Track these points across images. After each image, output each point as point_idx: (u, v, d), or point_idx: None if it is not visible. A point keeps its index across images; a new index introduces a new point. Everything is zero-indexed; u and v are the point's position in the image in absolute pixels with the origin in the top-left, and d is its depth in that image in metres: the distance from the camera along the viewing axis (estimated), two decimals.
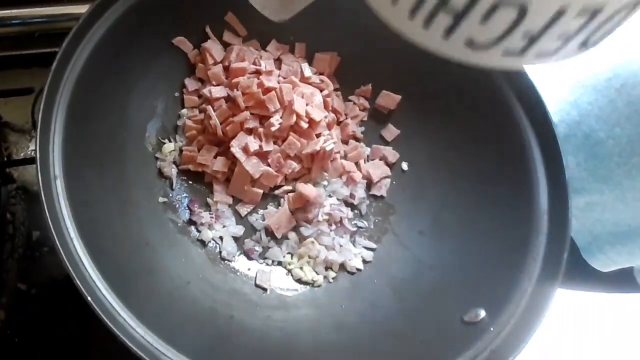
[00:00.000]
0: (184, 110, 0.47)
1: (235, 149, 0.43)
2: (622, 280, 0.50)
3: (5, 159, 0.49)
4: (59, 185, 0.30)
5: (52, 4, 0.46)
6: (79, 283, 0.27)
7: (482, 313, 0.35)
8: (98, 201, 0.35)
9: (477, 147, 0.46)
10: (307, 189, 0.45)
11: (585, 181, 0.44)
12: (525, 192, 0.41)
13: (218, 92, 0.47)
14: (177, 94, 0.48)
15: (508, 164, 0.43)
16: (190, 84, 0.48)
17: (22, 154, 0.49)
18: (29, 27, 0.45)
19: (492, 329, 0.33)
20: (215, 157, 0.45)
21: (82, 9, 0.50)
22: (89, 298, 0.27)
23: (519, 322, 0.33)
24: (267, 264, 0.44)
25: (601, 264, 0.46)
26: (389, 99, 0.53)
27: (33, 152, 0.50)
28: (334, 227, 0.47)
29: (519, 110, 0.43)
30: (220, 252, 0.42)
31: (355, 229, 0.48)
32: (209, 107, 0.46)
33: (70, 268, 0.27)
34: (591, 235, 0.46)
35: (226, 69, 0.49)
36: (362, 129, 0.53)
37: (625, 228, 0.43)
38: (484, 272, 0.40)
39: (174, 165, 0.45)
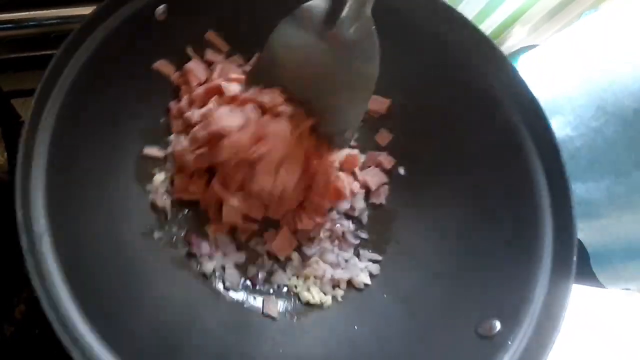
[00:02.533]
0: (172, 137, 0.45)
1: (218, 186, 0.41)
2: None
3: None
4: (45, 243, 0.28)
5: (66, 6, 0.47)
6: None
7: (497, 324, 0.35)
8: (91, 253, 0.33)
9: (474, 149, 0.46)
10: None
11: (605, 208, 0.44)
12: (526, 189, 0.41)
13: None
14: (162, 120, 0.46)
15: (507, 167, 0.42)
16: (175, 107, 0.46)
17: None
18: (45, 28, 0.46)
19: (509, 342, 0.33)
20: (207, 183, 0.43)
21: None
22: None
23: (535, 333, 0.33)
24: (273, 289, 0.42)
25: (608, 277, 0.46)
26: (378, 103, 0.52)
27: None
28: (336, 242, 0.46)
29: (514, 111, 0.42)
30: (223, 282, 0.41)
31: (358, 241, 0.47)
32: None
33: (70, 346, 0.25)
34: (604, 247, 0.46)
35: None
36: (355, 135, 0.52)
37: (637, 245, 0.43)
38: (493, 278, 0.39)
39: (166, 195, 0.43)
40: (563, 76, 0.48)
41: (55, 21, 0.46)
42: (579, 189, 0.45)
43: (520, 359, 0.32)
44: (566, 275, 0.35)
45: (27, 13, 0.45)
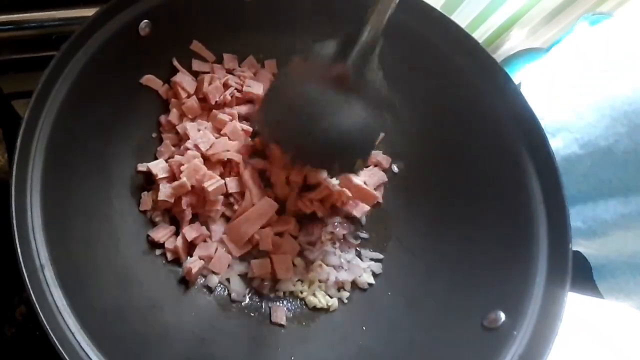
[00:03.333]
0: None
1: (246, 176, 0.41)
2: None
3: None
4: (48, 274, 0.28)
5: (68, 8, 0.46)
6: None
7: (502, 316, 0.35)
8: (93, 280, 0.32)
9: (468, 147, 0.46)
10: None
11: (610, 228, 0.43)
12: (520, 186, 0.41)
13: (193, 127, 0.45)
14: (154, 135, 0.45)
15: (500, 166, 0.43)
16: (165, 120, 0.46)
17: None
18: (46, 30, 0.46)
19: (515, 332, 0.34)
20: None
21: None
22: None
23: (539, 321, 0.34)
24: (279, 297, 0.43)
25: (608, 289, 0.46)
26: None
27: None
28: (337, 244, 0.47)
29: (508, 118, 0.41)
30: (229, 294, 0.41)
31: (358, 241, 0.47)
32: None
33: None
34: (607, 259, 0.46)
35: (201, 100, 0.46)
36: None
37: (639, 261, 0.43)
38: (494, 270, 0.40)
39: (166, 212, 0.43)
40: (571, 92, 0.48)
41: (56, 23, 0.46)
42: (585, 208, 0.44)
43: (527, 348, 0.33)
44: (564, 262, 0.36)
45: (28, 14, 0.45)
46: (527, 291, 0.36)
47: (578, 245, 0.47)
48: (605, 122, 0.43)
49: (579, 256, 0.48)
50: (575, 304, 0.34)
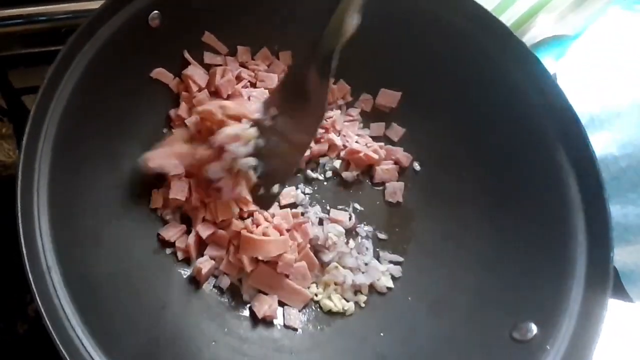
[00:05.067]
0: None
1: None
2: None
3: None
4: (55, 277, 0.27)
5: (77, 1, 0.46)
6: None
7: (534, 328, 0.33)
8: (102, 282, 0.31)
9: (497, 146, 0.43)
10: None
11: None
12: (555, 185, 0.38)
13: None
14: (165, 130, 0.44)
15: (533, 161, 0.40)
16: (175, 114, 0.44)
17: None
18: (55, 23, 0.46)
19: (548, 347, 0.31)
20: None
21: None
22: None
23: (575, 336, 0.31)
24: None
25: (639, 293, 0.43)
26: (389, 97, 0.49)
27: None
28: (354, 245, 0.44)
29: (541, 108, 0.39)
30: (241, 295, 0.40)
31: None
32: None
33: None
34: (635, 264, 0.43)
35: (213, 94, 0.45)
36: (368, 131, 0.50)
37: None
38: (524, 279, 0.37)
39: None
40: (613, 89, 0.45)
41: (65, 16, 0.45)
42: (616, 212, 0.42)
43: None
44: (604, 271, 0.33)
45: (37, 8, 0.45)
46: (562, 302, 0.33)
47: None
48: None
49: None
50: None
